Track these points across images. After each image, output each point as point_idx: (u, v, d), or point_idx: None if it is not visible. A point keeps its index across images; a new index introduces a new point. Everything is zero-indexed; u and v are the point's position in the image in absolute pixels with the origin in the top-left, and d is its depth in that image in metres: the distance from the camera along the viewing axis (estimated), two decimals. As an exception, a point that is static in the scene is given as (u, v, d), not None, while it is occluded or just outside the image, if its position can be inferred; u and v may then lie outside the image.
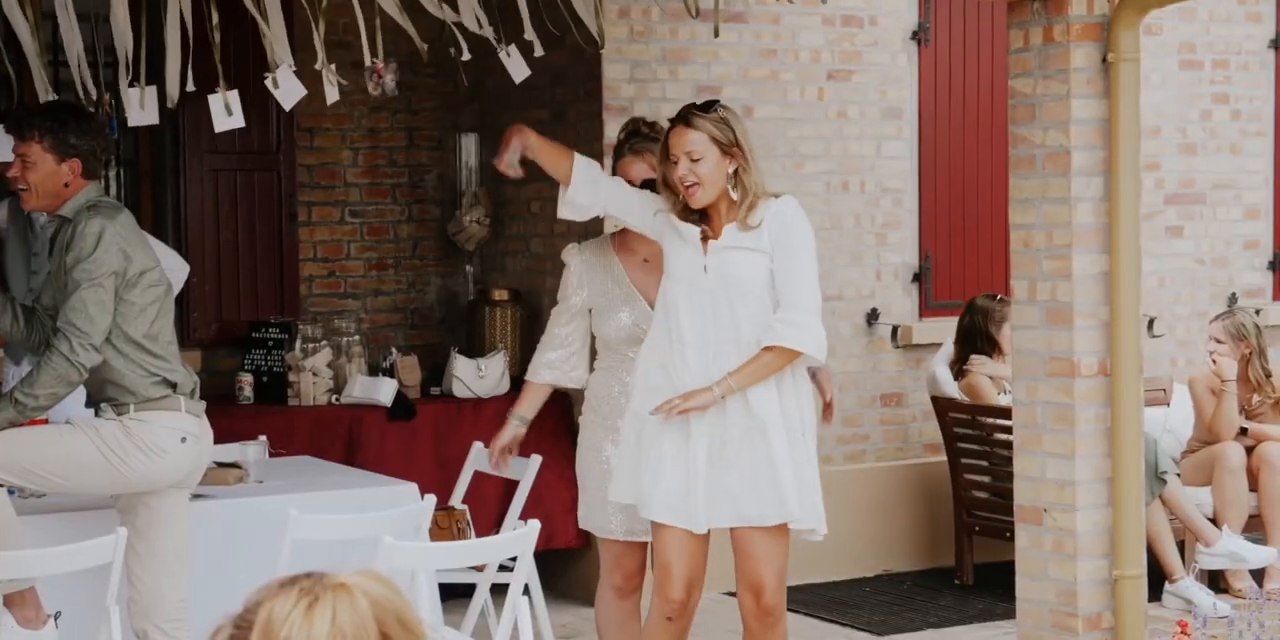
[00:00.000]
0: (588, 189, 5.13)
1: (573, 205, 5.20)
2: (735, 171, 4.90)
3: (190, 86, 5.20)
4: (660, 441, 4.92)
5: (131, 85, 5.17)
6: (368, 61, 5.20)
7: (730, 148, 4.89)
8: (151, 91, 5.21)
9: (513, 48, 5.40)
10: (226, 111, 5.20)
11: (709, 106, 4.96)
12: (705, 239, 4.94)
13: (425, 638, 1.90)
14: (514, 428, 5.51)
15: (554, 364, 5.42)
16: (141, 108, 5.21)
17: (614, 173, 5.33)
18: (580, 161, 5.16)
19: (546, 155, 5.21)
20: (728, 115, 4.94)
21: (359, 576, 1.86)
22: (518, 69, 5.51)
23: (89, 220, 4.88)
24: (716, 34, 5.71)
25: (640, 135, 5.38)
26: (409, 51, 5.60)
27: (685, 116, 4.94)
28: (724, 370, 4.85)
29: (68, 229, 4.95)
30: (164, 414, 4.92)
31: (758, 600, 4.95)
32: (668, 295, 4.98)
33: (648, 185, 5.18)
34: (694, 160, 4.87)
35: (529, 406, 5.48)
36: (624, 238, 5.39)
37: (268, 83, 5.10)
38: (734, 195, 4.90)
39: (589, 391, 5.41)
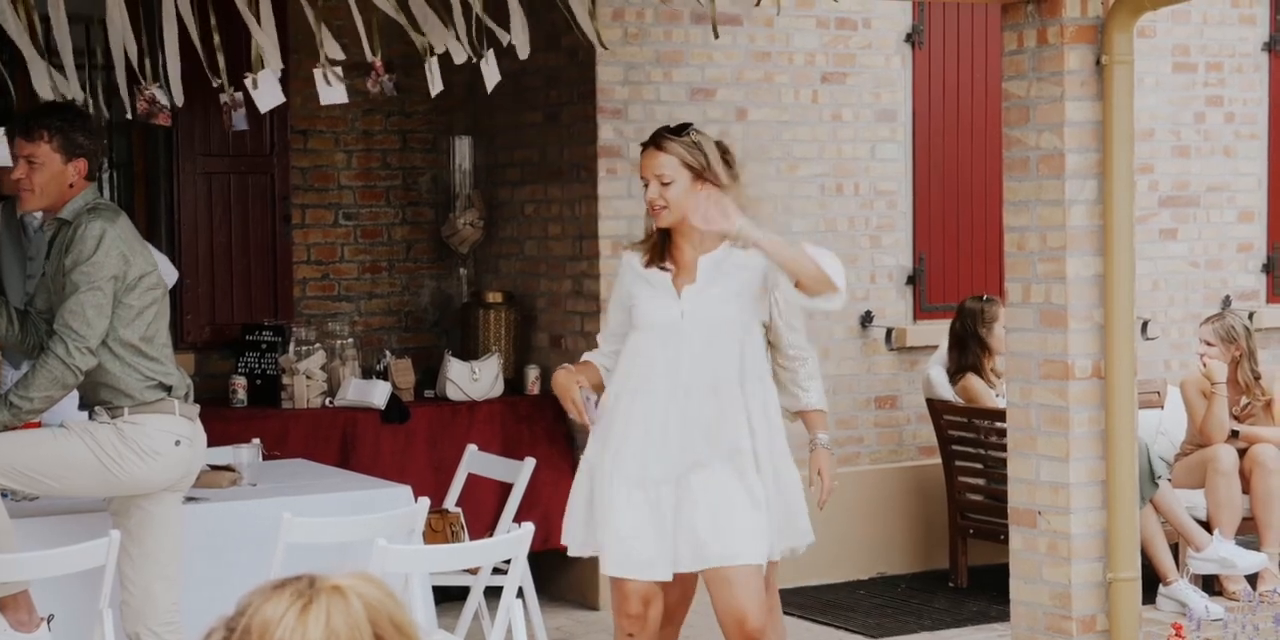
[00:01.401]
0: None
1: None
2: None
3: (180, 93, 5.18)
4: (611, 492, 4.82)
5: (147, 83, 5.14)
6: (369, 58, 5.19)
7: (703, 172, 4.86)
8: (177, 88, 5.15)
9: (490, 53, 5.36)
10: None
11: (681, 130, 4.93)
12: (677, 284, 4.88)
13: None
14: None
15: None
16: (169, 103, 5.16)
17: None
18: (597, 364, 5.06)
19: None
20: (700, 139, 4.90)
21: (353, 578, 1.85)
22: (491, 76, 5.44)
23: (90, 223, 4.87)
24: (716, 35, 5.70)
25: None
26: (402, 53, 5.60)
27: (656, 139, 4.92)
28: (699, 415, 4.79)
29: (67, 231, 4.93)
30: (158, 417, 4.92)
31: (742, 628, 4.83)
32: (637, 347, 4.90)
33: None
34: (664, 184, 4.85)
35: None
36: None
37: (247, 83, 5.05)
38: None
39: None
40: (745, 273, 4.90)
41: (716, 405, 4.83)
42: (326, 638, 1.79)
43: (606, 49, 5.69)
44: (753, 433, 4.86)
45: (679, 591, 5.04)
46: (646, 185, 4.90)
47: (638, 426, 4.85)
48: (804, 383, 5.18)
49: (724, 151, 4.96)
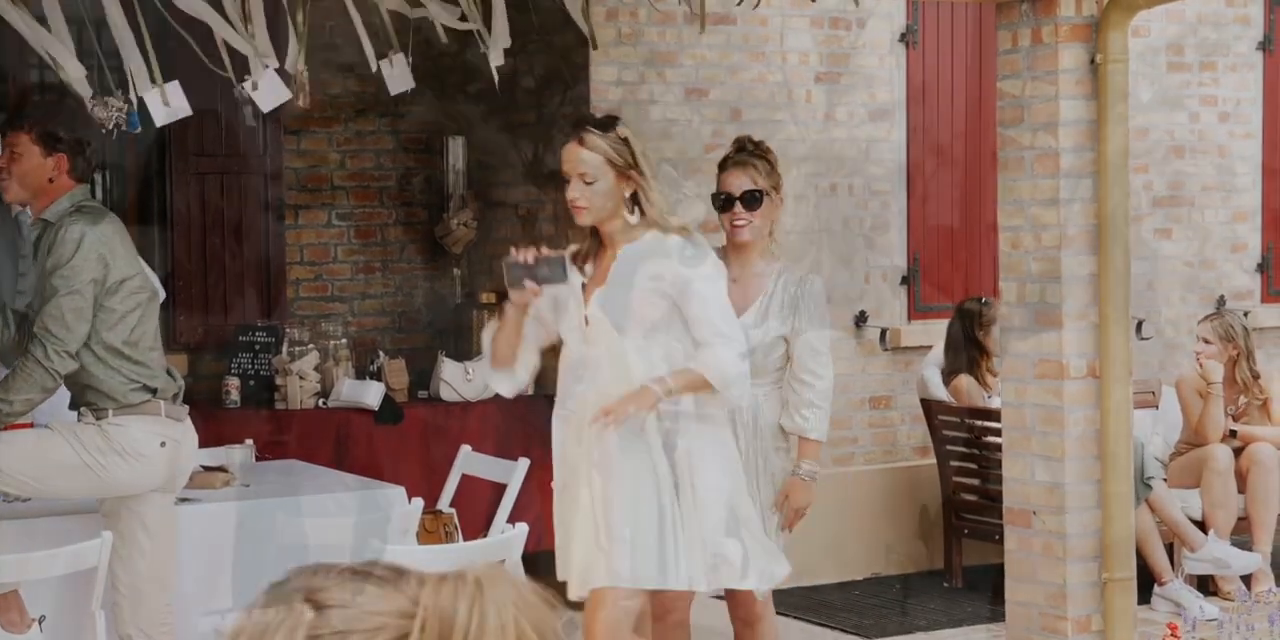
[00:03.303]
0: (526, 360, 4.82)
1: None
2: (634, 195, 4.61)
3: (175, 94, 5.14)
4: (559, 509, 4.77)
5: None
6: (299, 68, 5.13)
7: (627, 170, 4.59)
8: (174, 87, 5.11)
9: (398, 57, 5.23)
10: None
11: (609, 124, 4.66)
12: (587, 290, 4.65)
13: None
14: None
15: None
16: (167, 105, 5.11)
17: (717, 185, 5.19)
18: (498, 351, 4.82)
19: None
20: (628, 134, 4.62)
21: (496, 568, 1.80)
22: (399, 81, 5.32)
23: (70, 226, 4.87)
24: (702, 29, 5.67)
25: (746, 151, 5.26)
26: (394, 54, 5.57)
27: (579, 134, 4.64)
28: (615, 436, 4.54)
29: (50, 233, 4.93)
30: (143, 419, 4.91)
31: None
32: (564, 355, 4.72)
33: (748, 195, 5.00)
34: (588, 183, 4.59)
35: None
36: (722, 254, 5.06)
37: (246, 85, 5.02)
38: (631, 220, 4.60)
39: None
40: (660, 283, 4.58)
41: (627, 425, 4.53)
42: (515, 620, 1.72)
43: (595, 48, 5.64)
44: (672, 462, 4.59)
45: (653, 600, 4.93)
46: (569, 182, 4.63)
47: (562, 447, 4.73)
48: (805, 410, 5.06)
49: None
